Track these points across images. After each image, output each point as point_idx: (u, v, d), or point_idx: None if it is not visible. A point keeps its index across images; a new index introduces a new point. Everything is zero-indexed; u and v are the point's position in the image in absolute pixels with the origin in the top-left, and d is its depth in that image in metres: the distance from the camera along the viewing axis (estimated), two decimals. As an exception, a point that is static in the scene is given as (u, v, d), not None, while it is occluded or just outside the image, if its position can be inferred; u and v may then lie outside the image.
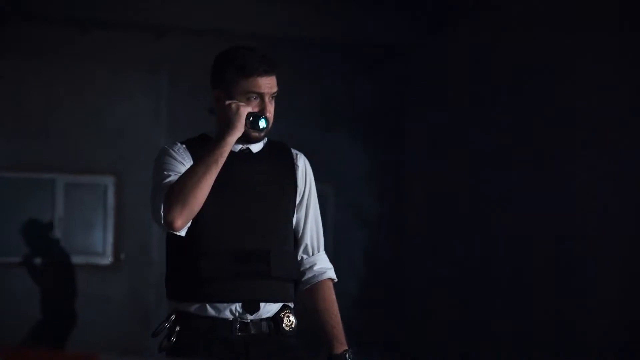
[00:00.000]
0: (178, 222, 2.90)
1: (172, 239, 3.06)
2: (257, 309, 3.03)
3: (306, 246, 3.20)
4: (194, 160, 3.01)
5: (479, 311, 7.72)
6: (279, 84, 3.09)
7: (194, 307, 3.02)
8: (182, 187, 2.91)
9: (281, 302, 3.09)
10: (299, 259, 3.20)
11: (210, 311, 3.01)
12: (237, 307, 3.01)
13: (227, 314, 3.01)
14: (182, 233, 2.96)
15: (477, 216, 7.81)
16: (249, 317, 3.02)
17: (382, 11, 8.34)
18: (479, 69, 7.87)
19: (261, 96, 3.03)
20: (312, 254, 3.21)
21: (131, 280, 8.61)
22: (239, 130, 2.98)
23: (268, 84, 3.03)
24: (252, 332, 3.03)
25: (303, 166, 3.20)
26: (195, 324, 3.02)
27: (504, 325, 7.29)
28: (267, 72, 3.02)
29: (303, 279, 3.19)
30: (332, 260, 3.30)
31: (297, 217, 3.19)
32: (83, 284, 8.49)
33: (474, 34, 8.00)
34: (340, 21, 8.39)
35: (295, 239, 3.19)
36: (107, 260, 8.75)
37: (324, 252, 3.25)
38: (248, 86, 3.00)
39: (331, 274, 3.22)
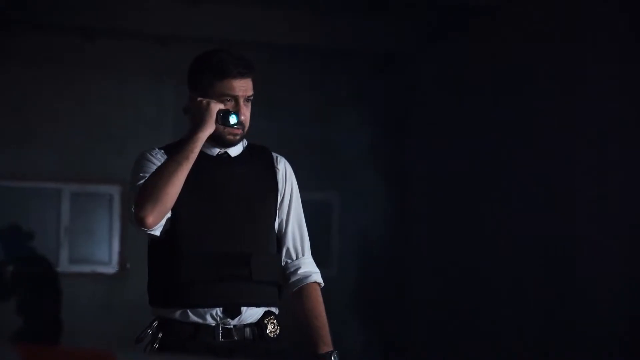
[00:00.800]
0: (149, 219, 2.86)
1: (153, 245, 3.05)
2: (239, 313, 2.99)
3: (288, 249, 3.16)
4: None
5: (479, 311, 7.70)
6: (256, 87, 3.06)
7: (176, 313, 3.00)
8: (153, 184, 2.88)
9: (263, 306, 3.05)
10: (283, 263, 3.16)
11: (193, 317, 2.98)
12: (218, 311, 2.98)
13: (209, 320, 2.98)
14: (157, 232, 2.94)
15: (477, 216, 7.79)
16: (232, 323, 2.99)
17: (384, 17, 8.33)
18: (479, 69, 7.87)
19: (235, 99, 3.01)
20: (296, 258, 3.16)
21: (137, 290, 8.58)
22: (209, 126, 2.95)
23: (243, 87, 3.01)
24: (235, 338, 3.00)
25: (283, 169, 3.16)
26: (178, 330, 3.00)
27: (505, 325, 7.26)
28: (242, 75, 3.00)
29: (288, 282, 3.15)
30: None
31: (279, 221, 3.15)
32: (88, 292, 8.52)
33: (474, 38, 7.99)
34: (341, 28, 8.38)
35: (278, 242, 3.15)
36: (113, 269, 8.74)
37: (310, 255, 3.20)
38: (223, 88, 2.98)
39: (317, 277, 3.17)
